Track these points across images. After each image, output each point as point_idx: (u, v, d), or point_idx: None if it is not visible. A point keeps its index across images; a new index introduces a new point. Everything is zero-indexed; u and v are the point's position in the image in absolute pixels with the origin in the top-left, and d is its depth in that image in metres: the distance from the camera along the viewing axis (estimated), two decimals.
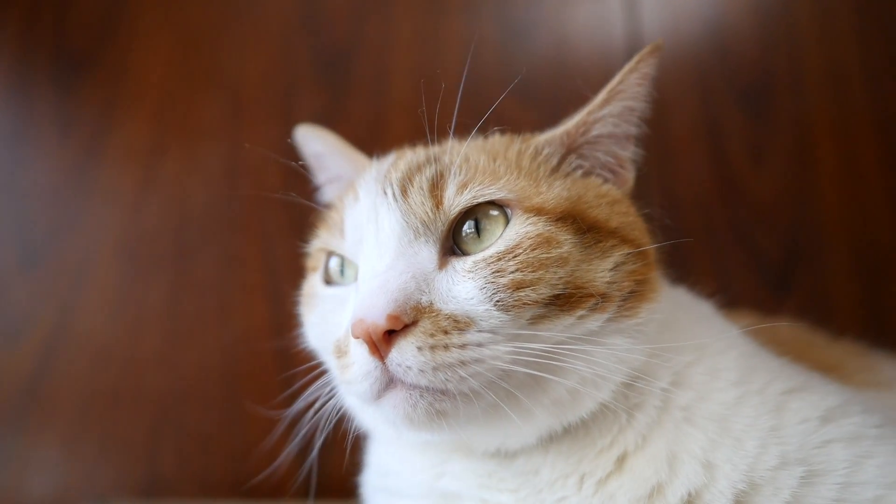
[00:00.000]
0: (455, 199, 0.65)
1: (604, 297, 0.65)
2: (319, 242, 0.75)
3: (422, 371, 0.58)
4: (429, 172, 0.67)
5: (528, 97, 1.76)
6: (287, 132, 1.72)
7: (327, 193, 0.83)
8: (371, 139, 1.71)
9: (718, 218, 1.69)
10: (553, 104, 1.79)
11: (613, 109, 0.72)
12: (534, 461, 0.67)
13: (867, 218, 1.68)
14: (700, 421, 0.64)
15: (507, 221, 0.66)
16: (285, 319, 1.69)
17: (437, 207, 0.65)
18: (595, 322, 0.64)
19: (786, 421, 0.61)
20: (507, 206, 0.66)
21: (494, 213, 0.66)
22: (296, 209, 1.68)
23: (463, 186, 0.66)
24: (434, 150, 0.72)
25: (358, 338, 0.59)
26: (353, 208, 0.69)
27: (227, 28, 1.76)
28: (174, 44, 1.75)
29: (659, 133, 1.75)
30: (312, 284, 0.74)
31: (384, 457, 0.77)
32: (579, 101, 1.87)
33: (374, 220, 0.67)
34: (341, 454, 0.77)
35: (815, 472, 0.59)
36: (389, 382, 0.59)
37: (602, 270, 0.65)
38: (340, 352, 0.64)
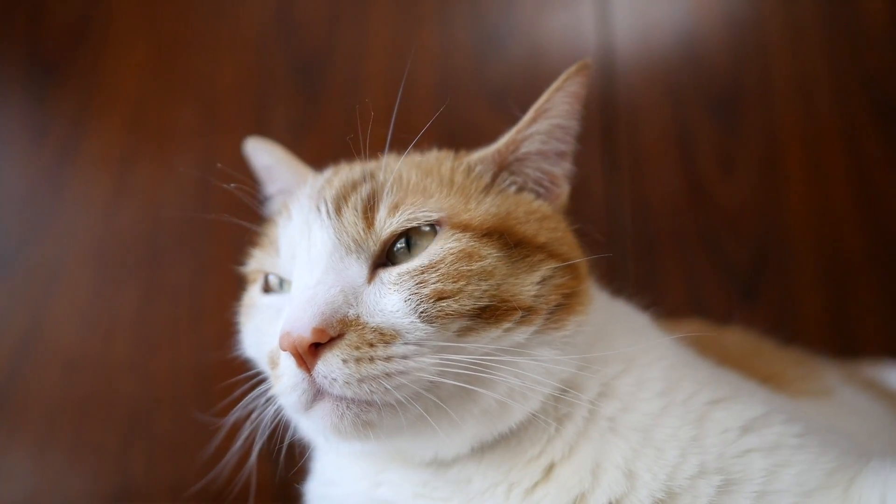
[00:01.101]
0: (386, 222, 0.67)
1: (530, 310, 0.66)
2: (255, 263, 0.76)
3: (347, 383, 0.59)
4: (363, 192, 0.68)
5: (501, 105, 1.77)
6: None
7: (276, 205, 0.87)
8: (347, 145, 1.73)
9: (687, 225, 1.71)
10: (526, 112, 1.81)
11: (541, 127, 0.74)
12: (467, 470, 0.68)
13: (834, 227, 1.71)
14: (624, 431, 0.65)
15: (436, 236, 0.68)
16: None
17: (369, 228, 0.67)
18: (522, 334, 0.66)
19: (707, 431, 0.63)
20: (437, 223, 0.68)
21: (425, 228, 0.68)
22: (268, 216, 1.70)
23: (395, 208, 0.67)
24: (370, 166, 0.73)
25: (285, 350, 0.60)
26: (287, 226, 0.71)
27: (202, 35, 1.76)
28: (148, 51, 1.75)
29: (630, 141, 1.78)
30: (251, 295, 0.75)
31: (326, 466, 0.78)
32: None
33: (306, 236, 0.68)
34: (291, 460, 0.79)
35: (732, 480, 0.60)
36: (317, 394, 0.61)
37: (529, 284, 0.67)
38: (273, 363, 0.66)
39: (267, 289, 0.73)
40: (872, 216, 1.71)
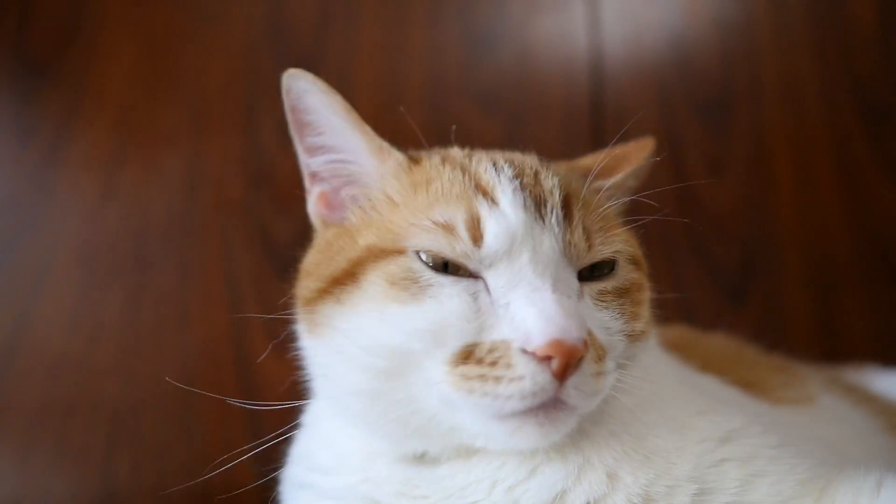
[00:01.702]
0: (601, 248, 0.69)
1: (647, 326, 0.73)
2: (424, 240, 0.63)
3: (588, 396, 0.60)
4: (579, 206, 0.69)
5: (491, 107, 1.78)
6: (249, 142, 1.73)
7: (305, 160, 0.76)
8: None
9: (676, 229, 1.72)
10: (516, 114, 1.81)
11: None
12: (454, 468, 0.67)
13: (822, 230, 1.72)
14: (624, 436, 0.65)
15: (615, 262, 0.71)
16: (246, 329, 1.71)
17: (590, 248, 0.68)
18: (643, 350, 0.72)
19: (688, 440, 0.63)
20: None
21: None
22: (257, 218, 1.70)
23: (607, 232, 0.71)
24: (551, 171, 0.74)
25: (551, 357, 0.56)
26: (494, 216, 0.63)
27: (191, 37, 1.75)
28: (137, 52, 1.74)
29: (619, 144, 1.78)
30: (413, 268, 0.62)
31: (319, 453, 0.75)
32: (542, 111, 1.89)
33: (532, 234, 0.64)
34: None
35: (707, 490, 0.60)
36: (549, 403, 0.59)
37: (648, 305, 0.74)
38: (476, 358, 0.59)
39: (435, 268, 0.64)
40: (860, 220, 1.71)
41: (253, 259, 1.64)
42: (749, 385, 0.81)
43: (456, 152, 0.77)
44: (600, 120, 1.77)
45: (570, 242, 0.66)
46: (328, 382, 0.72)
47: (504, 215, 0.63)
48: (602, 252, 0.69)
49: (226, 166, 1.69)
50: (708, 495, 0.60)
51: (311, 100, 0.73)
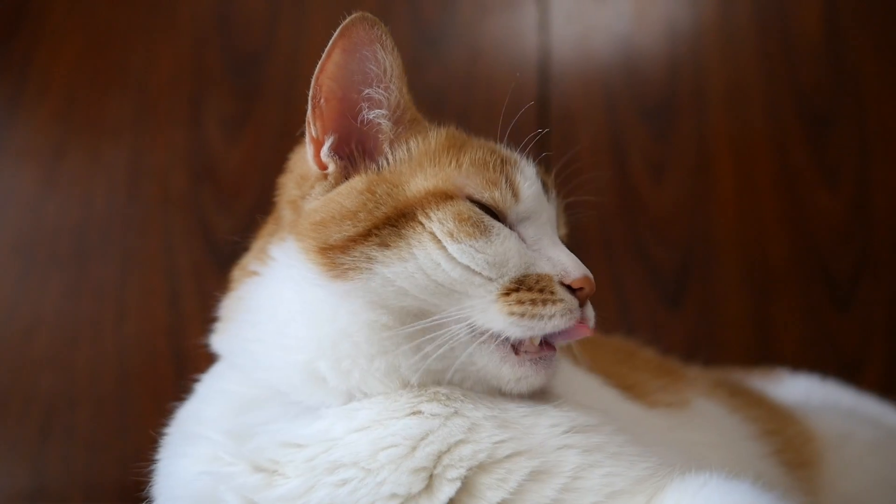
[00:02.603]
0: (560, 229, 0.83)
1: None
2: (481, 190, 0.72)
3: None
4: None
5: (438, 107, 1.78)
6: (193, 137, 1.73)
7: (371, 115, 0.75)
8: (280, 145, 1.72)
9: (618, 230, 1.74)
10: (463, 114, 1.81)
11: None
12: (339, 414, 0.71)
13: (760, 235, 1.75)
14: (493, 401, 0.70)
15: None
16: (185, 322, 1.70)
17: (558, 227, 0.81)
18: None
19: (542, 423, 0.67)
20: None
21: None
22: (198, 214, 1.69)
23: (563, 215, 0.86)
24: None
25: (581, 287, 0.70)
26: (527, 182, 0.75)
27: (138, 29, 1.74)
28: (82, 43, 1.72)
29: (564, 146, 1.80)
30: (476, 212, 0.70)
31: (217, 410, 0.74)
32: (490, 112, 1.90)
33: (544, 202, 0.77)
34: None
35: (545, 469, 0.64)
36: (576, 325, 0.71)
37: None
38: (526, 287, 0.69)
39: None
40: (798, 226, 1.75)
41: (194, 253, 1.64)
42: (629, 387, 0.85)
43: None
44: (546, 121, 1.79)
45: (556, 214, 0.80)
46: (332, 319, 0.70)
47: (532, 181, 0.76)
48: (560, 232, 0.81)
49: (169, 160, 1.69)
50: (544, 474, 0.64)
51: (382, 55, 0.74)
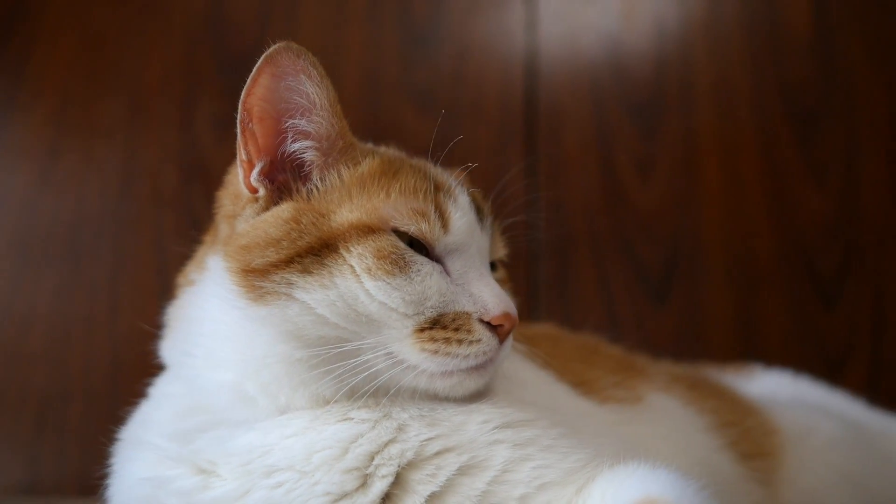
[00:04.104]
0: (497, 251, 0.82)
1: None
2: (406, 222, 0.71)
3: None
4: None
5: (426, 106, 1.80)
6: (185, 136, 1.76)
7: (295, 147, 0.74)
8: None
9: (604, 227, 1.75)
10: (451, 113, 1.83)
11: None
12: (273, 424, 0.74)
13: (746, 231, 1.76)
14: (421, 402, 0.72)
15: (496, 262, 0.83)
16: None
17: (493, 251, 0.81)
18: None
19: (472, 419, 0.69)
20: None
21: None
22: (189, 212, 1.72)
23: (499, 239, 0.84)
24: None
25: (500, 324, 0.70)
26: (459, 212, 0.74)
27: (131, 31, 1.78)
28: (77, 44, 1.76)
29: (550, 144, 1.81)
30: (397, 246, 0.69)
31: (166, 416, 0.78)
32: (477, 110, 1.92)
33: (476, 232, 0.75)
34: None
35: (475, 463, 0.66)
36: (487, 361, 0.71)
37: None
38: (441, 325, 0.69)
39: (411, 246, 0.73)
40: (784, 222, 1.75)
41: (185, 252, 1.66)
42: (582, 383, 0.87)
43: (399, 152, 0.84)
44: (534, 119, 1.80)
45: (490, 244, 0.78)
46: (249, 346, 0.72)
47: (465, 211, 0.74)
48: (496, 255, 0.82)
49: (161, 159, 1.72)
50: (474, 468, 0.66)
51: (310, 86, 0.73)
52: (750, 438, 0.94)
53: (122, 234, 1.68)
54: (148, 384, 0.85)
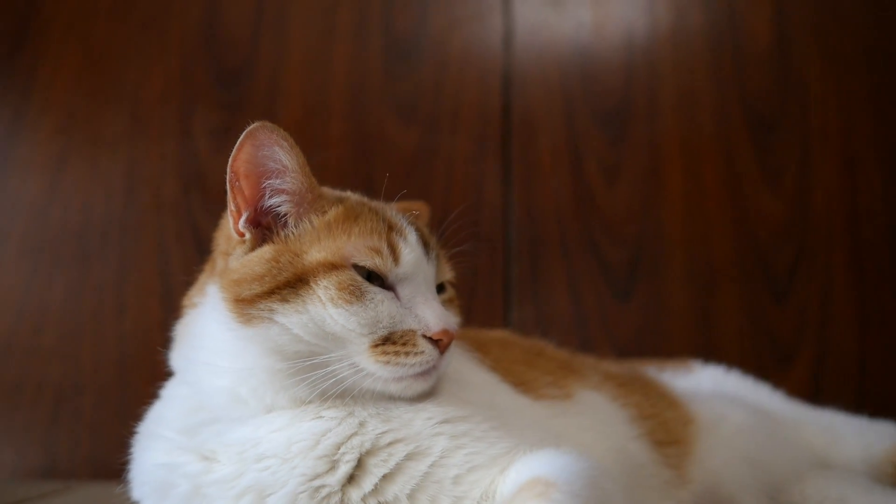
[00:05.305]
0: (442, 275, 0.96)
1: None
2: (364, 258, 0.86)
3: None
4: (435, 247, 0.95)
5: (408, 117, 1.92)
6: (183, 148, 1.89)
7: (272, 202, 0.88)
8: None
9: (573, 230, 1.88)
10: (432, 123, 1.95)
11: None
12: (261, 421, 0.89)
13: (706, 234, 1.88)
14: (379, 403, 0.87)
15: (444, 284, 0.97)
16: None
17: (439, 276, 0.95)
18: None
19: (419, 416, 0.85)
20: None
21: None
22: (189, 218, 1.86)
23: (444, 264, 0.97)
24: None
25: (439, 340, 0.85)
26: (408, 247, 0.88)
27: (131, 48, 1.89)
28: (80, 61, 1.88)
29: (525, 152, 1.94)
30: (355, 279, 0.84)
31: (175, 414, 0.92)
32: (456, 121, 2.03)
33: (423, 264, 0.89)
34: None
35: (419, 452, 0.82)
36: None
37: None
38: (391, 341, 0.84)
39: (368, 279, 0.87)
40: (741, 225, 1.88)
41: (185, 255, 1.81)
42: (522, 383, 1.03)
43: (361, 199, 0.99)
44: (510, 128, 1.92)
45: (435, 271, 0.93)
46: (240, 359, 0.87)
47: (413, 247, 0.89)
48: (442, 277, 0.96)
49: (162, 169, 1.85)
50: (419, 455, 0.82)
51: (283, 154, 0.87)
52: (665, 428, 1.10)
53: (127, 239, 1.81)
54: (158, 386, 0.99)
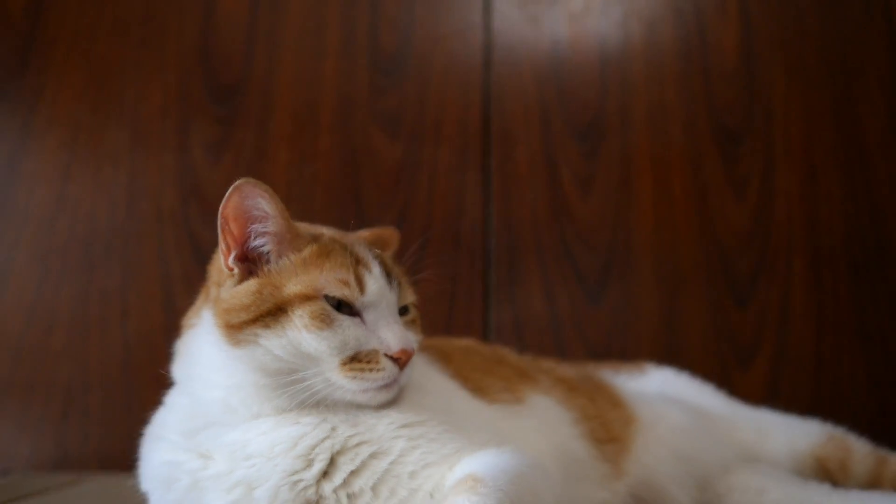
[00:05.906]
0: (405, 298, 1.08)
1: None
2: (334, 290, 0.98)
3: (409, 377, 1.03)
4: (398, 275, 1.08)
5: (393, 130, 2.03)
6: (182, 160, 2.01)
7: (256, 243, 1.01)
8: (257, 167, 1.99)
9: (549, 237, 2.00)
10: (416, 137, 2.06)
11: None
12: (250, 426, 1.02)
13: (674, 240, 2.00)
14: (350, 410, 1.00)
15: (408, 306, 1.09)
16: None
17: (401, 299, 1.07)
18: None
19: (382, 421, 0.98)
20: None
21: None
22: (187, 227, 1.98)
23: (406, 289, 1.10)
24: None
25: (399, 357, 0.98)
26: (372, 278, 1.01)
27: (131, 64, 2.00)
28: (84, 77, 1.99)
29: (504, 164, 2.05)
30: (325, 309, 0.97)
31: (177, 419, 1.04)
32: (439, 134, 2.14)
33: (386, 292, 1.02)
34: None
35: (381, 452, 0.95)
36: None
37: None
38: (357, 360, 0.97)
39: (337, 308, 0.99)
40: (707, 232, 1.99)
41: (184, 263, 1.93)
42: (478, 389, 1.16)
43: (336, 235, 1.12)
44: (489, 141, 2.03)
45: (398, 297, 1.06)
46: (231, 375, 1.01)
47: (377, 278, 1.03)
48: (405, 300, 1.08)
49: (161, 181, 1.97)
50: (380, 454, 0.95)
51: (265, 203, 1.00)
52: (606, 427, 1.23)
53: (129, 248, 1.94)
54: (163, 394, 1.12)
